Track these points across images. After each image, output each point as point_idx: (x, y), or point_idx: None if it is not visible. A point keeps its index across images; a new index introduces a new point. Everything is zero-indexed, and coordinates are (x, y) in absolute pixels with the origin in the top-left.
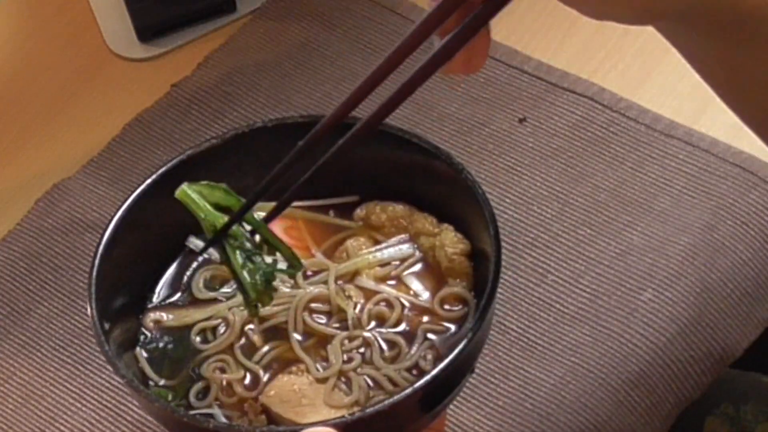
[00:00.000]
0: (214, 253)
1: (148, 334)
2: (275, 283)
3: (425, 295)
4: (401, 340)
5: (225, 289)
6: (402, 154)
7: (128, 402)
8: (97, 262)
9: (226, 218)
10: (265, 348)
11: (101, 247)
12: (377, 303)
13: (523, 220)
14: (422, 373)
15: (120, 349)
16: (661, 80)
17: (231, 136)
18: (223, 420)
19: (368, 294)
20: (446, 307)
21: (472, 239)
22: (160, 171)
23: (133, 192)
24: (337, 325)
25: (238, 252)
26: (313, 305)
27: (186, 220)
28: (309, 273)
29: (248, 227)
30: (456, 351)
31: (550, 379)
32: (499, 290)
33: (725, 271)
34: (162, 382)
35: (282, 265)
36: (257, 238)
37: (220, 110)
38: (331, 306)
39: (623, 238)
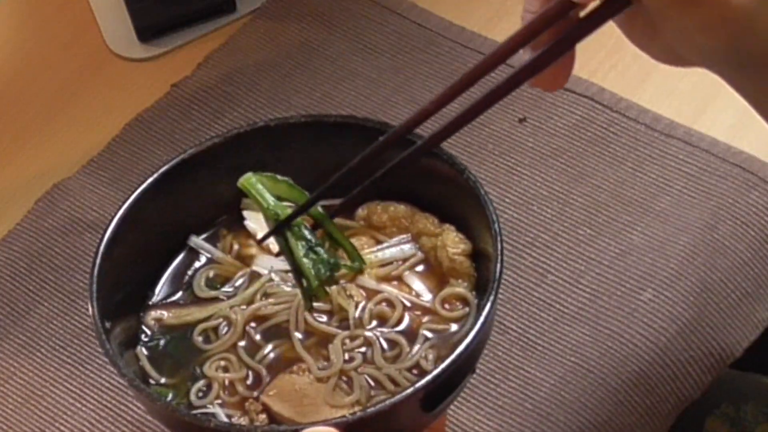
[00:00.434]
0: (216, 252)
1: (149, 333)
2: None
3: (426, 294)
4: (402, 340)
5: (226, 288)
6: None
7: (128, 402)
8: (98, 260)
9: (289, 209)
10: (268, 347)
11: (102, 246)
12: (378, 302)
13: (523, 220)
14: (423, 372)
15: (121, 347)
16: (661, 80)
17: (233, 134)
18: (224, 419)
19: (370, 293)
20: (447, 306)
21: (473, 239)
22: (161, 170)
23: (134, 190)
24: (338, 324)
25: (300, 243)
26: (314, 304)
27: (187, 219)
28: None
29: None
30: (458, 351)
31: (550, 379)
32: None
33: (725, 271)
34: (163, 381)
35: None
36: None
37: (220, 110)
38: (333, 305)
39: (623, 238)
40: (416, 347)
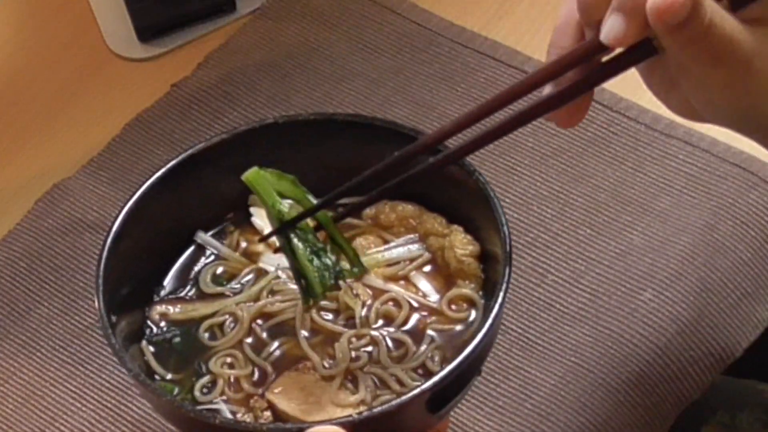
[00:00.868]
0: (223, 249)
1: (154, 328)
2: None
3: (433, 295)
4: (408, 340)
5: (232, 285)
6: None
7: (128, 402)
8: (104, 254)
9: (293, 209)
10: (274, 344)
11: (109, 240)
12: (385, 302)
13: (523, 220)
14: (429, 373)
15: (125, 342)
16: None
17: (241, 131)
18: (228, 415)
19: (376, 293)
20: (454, 307)
21: (481, 241)
22: (168, 165)
23: (142, 185)
24: (344, 323)
25: (305, 246)
26: (320, 302)
27: (194, 216)
28: None
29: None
30: (465, 352)
31: (550, 379)
32: None
33: (725, 271)
34: (167, 376)
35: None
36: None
37: (220, 110)
38: (339, 304)
39: (623, 238)
40: (422, 347)
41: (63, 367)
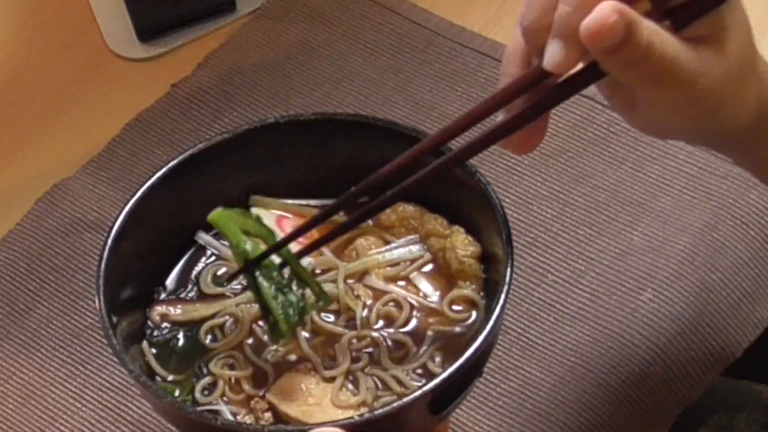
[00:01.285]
0: (224, 249)
1: (155, 329)
2: None
3: (434, 296)
4: (409, 341)
5: (233, 285)
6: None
7: (128, 402)
8: (105, 253)
9: (259, 247)
10: (275, 345)
11: (110, 239)
12: (386, 303)
13: (523, 220)
14: (430, 374)
15: (126, 342)
16: None
17: (243, 131)
18: (229, 417)
19: (377, 294)
20: (455, 308)
21: (482, 242)
22: (170, 164)
23: (143, 184)
24: (344, 324)
25: (269, 283)
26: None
27: (195, 216)
28: (318, 271)
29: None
30: (467, 354)
31: (550, 379)
32: None
33: (725, 271)
34: (167, 377)
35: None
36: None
37: (220, 110)
38: (340, 305)
39: (623, 238)
40: (423, 349)
41: (63, 367)
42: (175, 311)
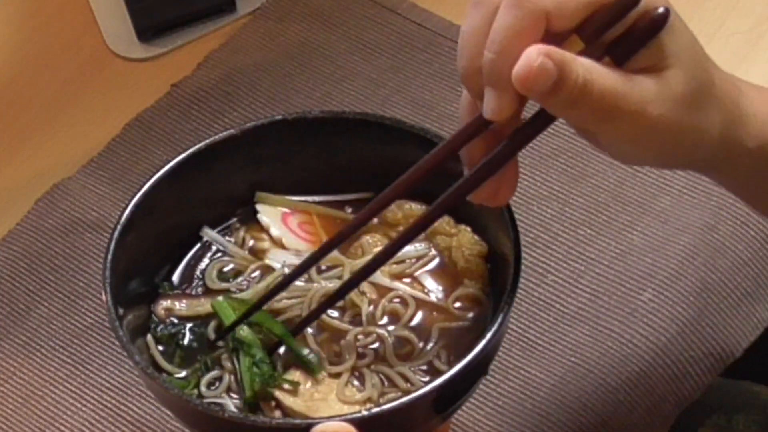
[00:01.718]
0: (229, 245)
1: (160, 323)
2: None
3: (439, 293)
4: (414, 338)
5: (239, 281)
6: (420, 152)
7: (128, 402)
8: (112, 245)
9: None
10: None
11: (117, 231)
12: (391, 300)
13: (523, 220)
14: (435, 371)
15: (131, 336)
16: None
17: (250, 127)
18: (234, 410)
19: (382, 291)
20: (460, 307)
21: (488, 241)
22: (177, 159)
23: (150, 177)
24: (350, 320)
25: (247, 358)
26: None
27: (201, 211)
28: (323, 268)
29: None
30: (474, 352)
31: (550, 379)
32: None
33: (725, 271)
34: (174, 371)
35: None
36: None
37: (220, 110)
38: (345, 301)
39: (623, 238)
40: (429, 346)
41: (63, 367)
42: (180, 306)
